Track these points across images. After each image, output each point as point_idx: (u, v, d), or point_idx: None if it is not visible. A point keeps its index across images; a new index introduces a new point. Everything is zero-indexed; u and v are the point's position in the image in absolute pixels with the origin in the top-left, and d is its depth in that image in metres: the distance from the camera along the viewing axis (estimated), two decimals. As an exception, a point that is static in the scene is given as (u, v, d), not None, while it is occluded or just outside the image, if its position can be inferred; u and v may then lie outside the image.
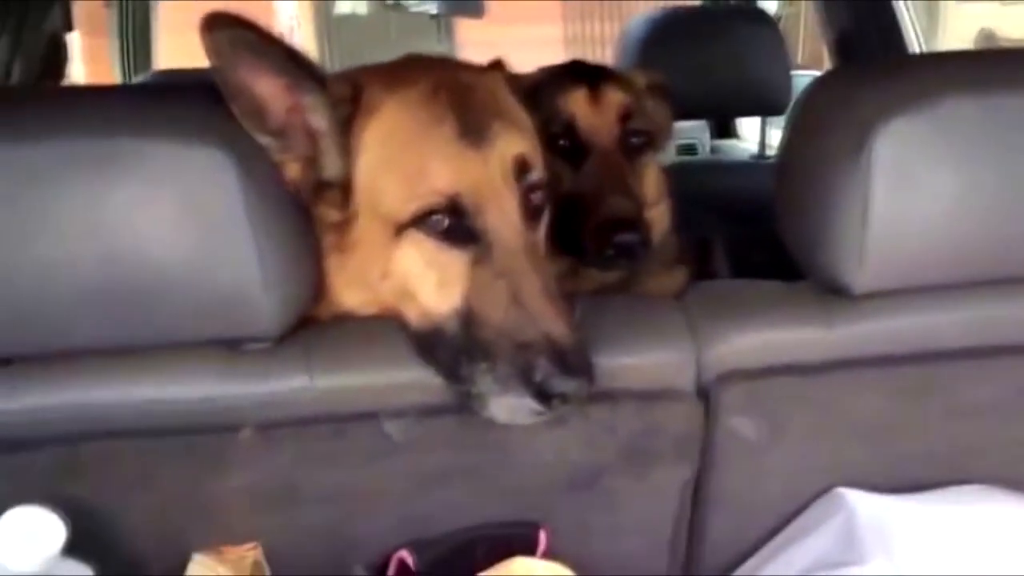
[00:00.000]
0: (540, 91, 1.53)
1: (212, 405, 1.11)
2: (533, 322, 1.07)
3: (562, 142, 1.54)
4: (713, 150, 3.63)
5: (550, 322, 1.07)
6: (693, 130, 3.53)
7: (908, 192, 1.10)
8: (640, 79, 1.70)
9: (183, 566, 1.14)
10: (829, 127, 1.15)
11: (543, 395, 1.05)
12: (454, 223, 1.12)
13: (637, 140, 1.60)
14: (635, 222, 1.48)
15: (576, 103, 1.56)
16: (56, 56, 2.35)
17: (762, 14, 2.62)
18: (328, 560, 1.19)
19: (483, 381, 1.08)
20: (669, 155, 3.07)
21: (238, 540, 1.17)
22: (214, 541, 1.16)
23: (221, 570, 1.13)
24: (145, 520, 1.15)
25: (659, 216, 1.67)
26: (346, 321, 1.20)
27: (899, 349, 1.22)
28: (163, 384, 1.10)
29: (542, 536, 1.22)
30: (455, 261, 1.12)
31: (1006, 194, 1.12)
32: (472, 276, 1.11)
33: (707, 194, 2.32)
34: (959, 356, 1.24)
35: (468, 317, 1.10)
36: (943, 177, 1.10)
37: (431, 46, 7.82)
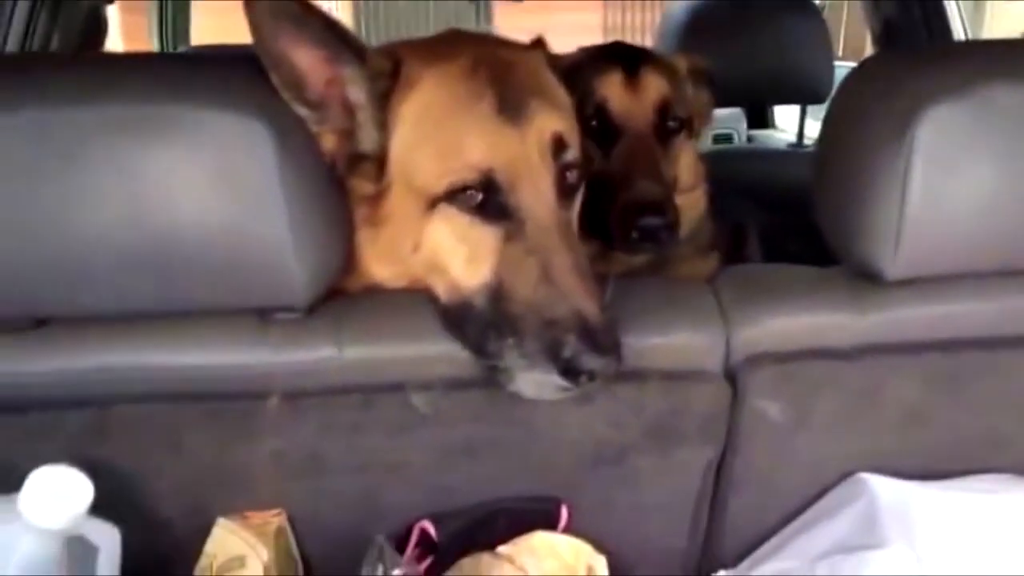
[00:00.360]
0: (578, 72, 1.52)
1: (241, 372, 1.12)
2: (563, 299, 1.07)
3: (593, 123, 1.54)
4: (749, 139, 3.59)
5: (580, 300, 1.07)
6: (729, 119, 3.50)
7: (947, 180, 1.09)
8: (682, 63, 1.69)
9: (208, 530, 1.17)
10: (870, 113, 1.14)
11: (570, 372, 1.05)
12: (487, 199, 1.12)
13: (673, 124, 1.60)
14: (662, 206, 1.47)
15: (610, 86, 1.56)
16: (95, 29, 2.37)
17: (805, 1, 2.58)
18: (352, 529, 1.20)
19: (510, 356, 1.08)
20: (705, 143, 3.05)
21: (263, 507, 1.20)
22: (239, 507, 1.18)
23: (244, 535, 1.15)
24: (171, 484, 1.17)
25: (693, 202, 1.66)
26: (376, 293, 1.21)
27: (930, 336, 1.21)
28: (193, 350, 1.12)
29: (564, 512, 1.23)
30: (487, 236, 1.13)
31: None
32: (503, 252, 1.12)
33: (744, 182, 2.30)
34: (990, 345, 1.22)
35: (498, 292, 1.11)
36: (983, 166, 1.09)
37: (469, 24, 7.85)
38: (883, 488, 1.21)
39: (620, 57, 1.60)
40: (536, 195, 1.13)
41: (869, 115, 1.14)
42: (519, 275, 1.10)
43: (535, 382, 1.08)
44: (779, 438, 1.22)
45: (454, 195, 1.13)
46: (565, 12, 7.31)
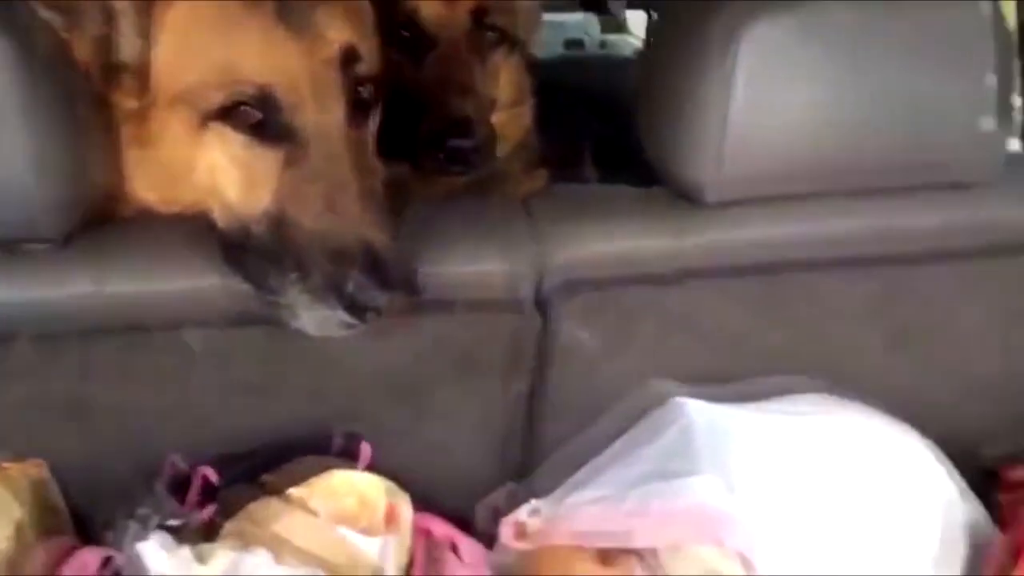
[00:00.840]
0: None
1: None
2: (348, 229, 0.98)
3: (404, 33, 1.44)
4: (602, 45, 3.50)
5: (367, 230, 0.98)
6: (581, 24, 3.39)
7: (771, 99, 1.05)
8: None
9: (-40, 483, 1.04)
10: (695, 26, 1.08)
11: (355, 308, 0.96)
12: (266, 118, 1.01)
13: (492, 36, 1.50)
14: (470, 126, 1.39)
15: None
16: None
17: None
18: (130, 478, 1.10)
19: (292, 291, 0.99)
20: (552, 48, 2.95)
21: (22, 457, 1.08)
22: (-5, 457, 1.07)
23: (-5, 487, 1.03)
24: None
25: (515, 119, 1.58)
26: (145, 221, 1.08)
27: (750, 260, 1.17)
28: None
29: (365, 448, 1.16)
30: (266, 159, 1.02)
31: (868, 105, 1.08)
32: (284, 176, 1.01)
33: (591, 91, 2.24)
34: (809, 268, 1.20)
35: (279, 221, 1.01)
36: (807, 85, 1.06)
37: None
38: (698, 413, 1.18)
39: None
40: (321, 114, 1.02)
41: (693, 29, 1.08)
42: (301, 202, 1.00)
43: (319, 319, 0.99)
44: (594, 367, 1.18)
45: (228, 113, 1.01)
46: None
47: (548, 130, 1.70)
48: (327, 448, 1.15)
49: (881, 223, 1.19)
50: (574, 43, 3.42)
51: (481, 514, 1.21)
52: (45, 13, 0.97)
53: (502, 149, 1.52)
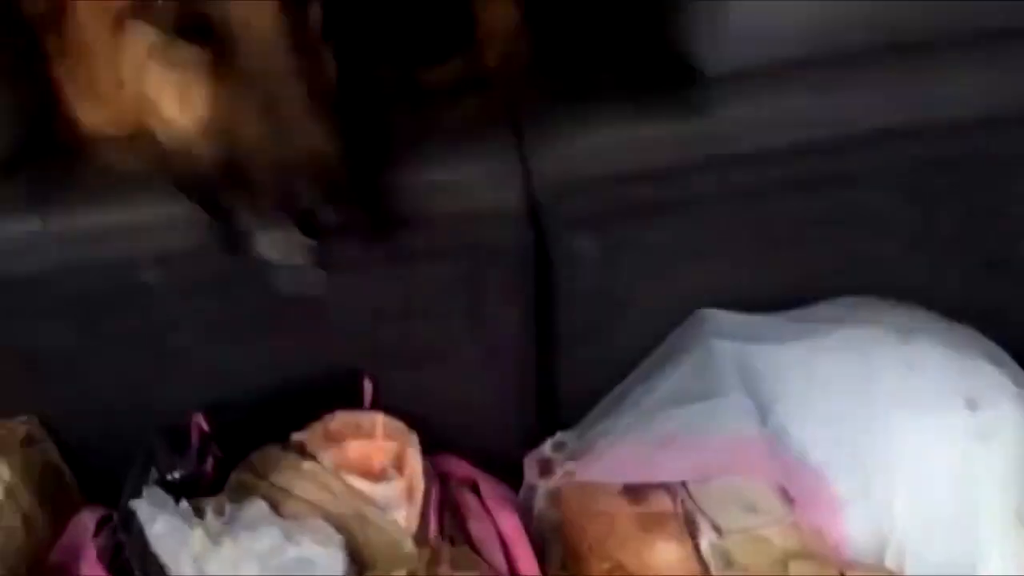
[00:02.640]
0: None
1: None
2: (293, 137, 0.86)
3: None
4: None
5: (317, 138, 0.86)
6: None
7: None
8: None
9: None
10: None
11: (311, 227, 0.85)
12: (184, 10, 0.89)
13: None
14: None
15: None
16: None
17: None
18: (125, 431, 1.04)
19: (244, 214, 0.88)
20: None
21: (11, 414, 1.04)
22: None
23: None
24: None
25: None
26: (91, 148, 0.99)
27: (768, 144, 0.99)
28: None
29: (368, 385, 1.08)
30: (191, 60, 0.89)
31: None
32: (214, 79, 0.89)
33: None
34: (839, 149, 1.01)
35: (217, 133, 0.89)
36: None
37: None
38: (722, 324, 1.06)
39: None
40: (248, 5, 0.89)
41: None
42: (236, 109, 0.88)
43: (277, 243, 0.88)
44: (603, 282, 1.05)
45: (143, 8, 0.89)
46: None
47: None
48: (329, 387, 1.08)
49: (931, 87, 0.99)
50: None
51: (530, 467, 1.11)
52: None
53: (491, 50, 1.37)
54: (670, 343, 1.08)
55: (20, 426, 1.03)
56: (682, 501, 0.98)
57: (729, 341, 1.03)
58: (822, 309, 1.08)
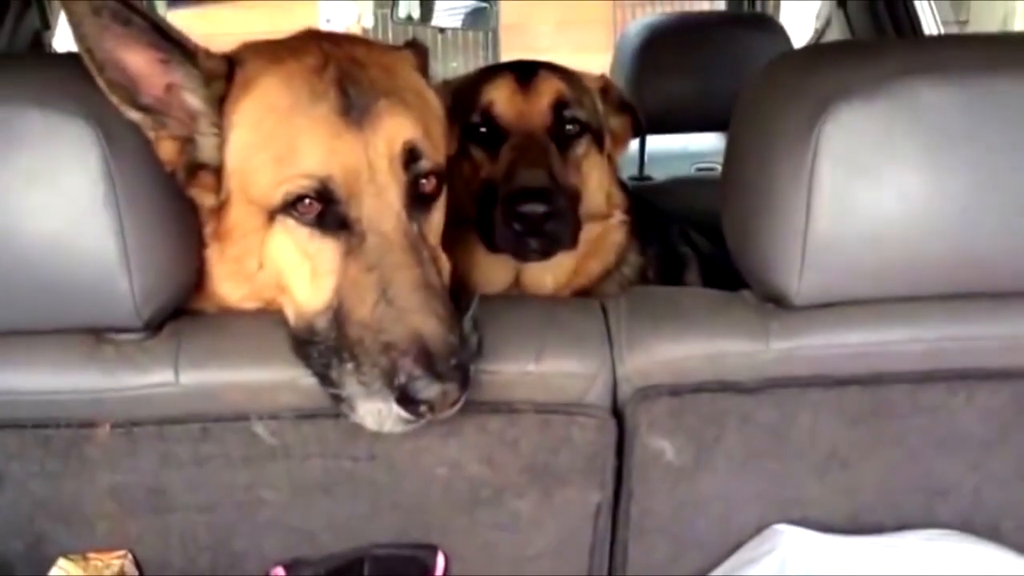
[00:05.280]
0: (473, 87, 1.49)
1: (70, 398, 1.02)
2: (401, 320, 0.97)
3: (482, 129, 1.47)
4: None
5: (422, 320, 0.97)
6: (712, 152, 3.24)
7: (859, 188, 0.96)
8: (594, 82, 1.61)
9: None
10: (773, 117, 1.02)
11: (407, 400, 0.94)
12: (326, 209, 1.03)
13: (572, 128, 1.50)
14: (545, 192, 1.36)
15: (497, 89, 1.49)
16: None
17: (771, 22, 2.46)
18: (204, 574, 1.10)
19: (350, 383, 0.98)
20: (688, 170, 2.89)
21: (108, 547, 1.10)
22: (82, 546, 1.09)
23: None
24: (6, 521, 1.07)
25: (606, 233, 1.56)
26: (225, 315, 1.11)
27: (847, 369, 1.08)
28: (18, 373, 1.02)
29: (440, 560, 1.12)
30: (326, 251, 1.03)
31: (977, 193, 0.97)
32: (343, 268, 1.02)
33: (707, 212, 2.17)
34: (918, 380, 1.09)
35: (338, 313, 1.01)
36: (901, 172, 0.96)
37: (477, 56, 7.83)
38: (800, 543, 1.08)
39: (517, 67, 1.55)
40: (379, 206, 1.03)
41: (772, 119, 1.02)
42: (357, 293, 1.00)
43: (375, 412, 0.97)
44: (679, 481, 1.10)
45: (291, 206, 1.03)
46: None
47: (649, 249, 1.66)
48: (404, 557, 1.13)
49: (1003, 330, 1.08)
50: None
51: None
52: (131, 114, 1.00)
53: (593, 269, 1.50)
54: (744, 552, 1.11)
55: (116, 560, 1.09)
56: None
57: (801, 556, 1.05)
58: (907, 537, 1.09)
